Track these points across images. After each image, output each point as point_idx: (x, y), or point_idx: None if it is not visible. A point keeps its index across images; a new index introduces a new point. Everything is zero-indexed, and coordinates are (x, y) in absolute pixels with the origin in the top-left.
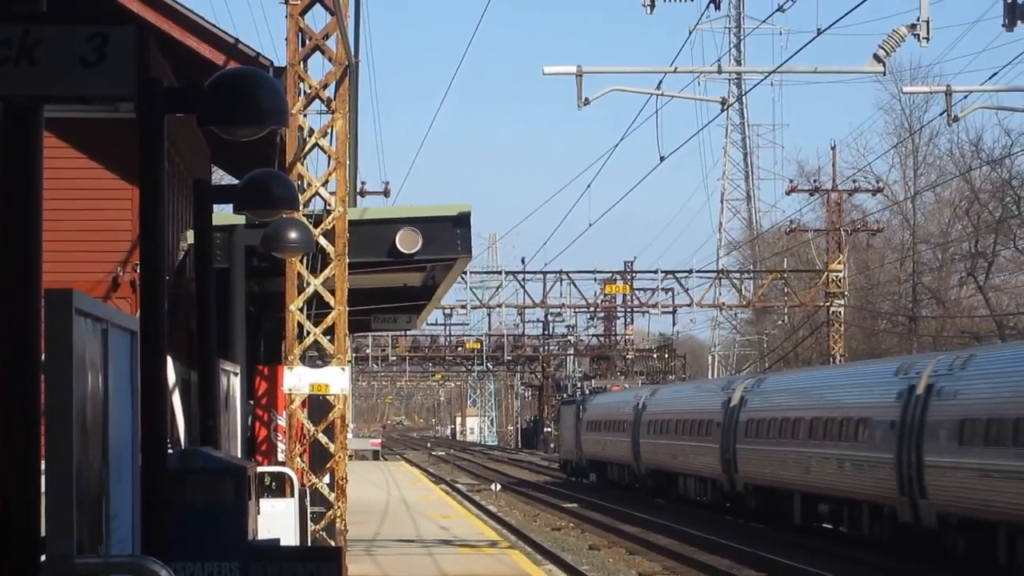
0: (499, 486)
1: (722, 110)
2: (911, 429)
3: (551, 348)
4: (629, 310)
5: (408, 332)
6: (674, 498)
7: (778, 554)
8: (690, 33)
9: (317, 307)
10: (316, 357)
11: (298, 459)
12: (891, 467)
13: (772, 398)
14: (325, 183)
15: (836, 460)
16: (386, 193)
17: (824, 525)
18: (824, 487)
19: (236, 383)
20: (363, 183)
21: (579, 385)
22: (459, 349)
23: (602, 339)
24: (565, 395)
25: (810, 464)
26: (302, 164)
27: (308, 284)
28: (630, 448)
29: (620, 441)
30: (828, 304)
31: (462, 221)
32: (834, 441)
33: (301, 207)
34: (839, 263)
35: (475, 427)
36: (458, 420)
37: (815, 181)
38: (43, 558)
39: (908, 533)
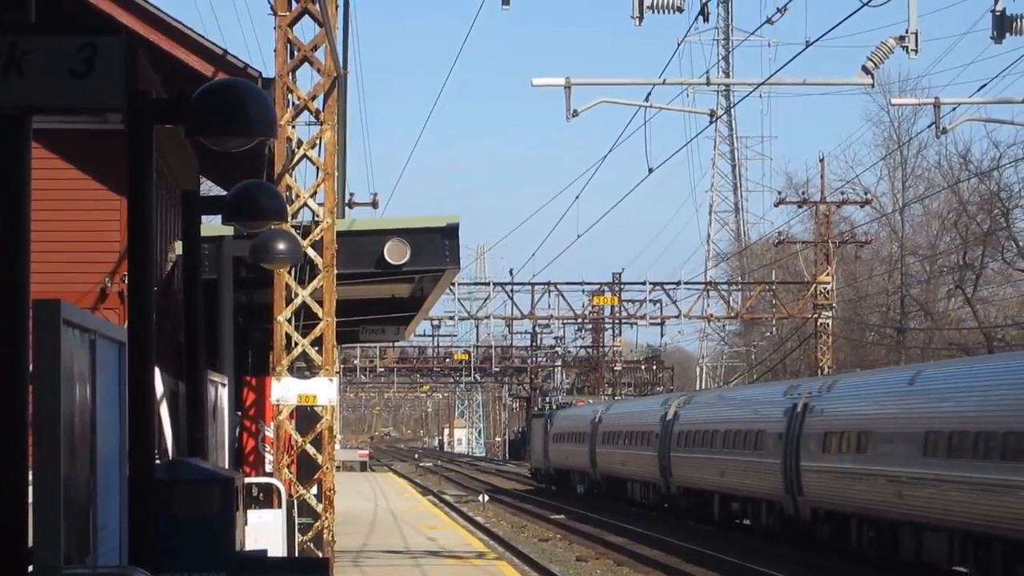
0: (487, 497)
1: (711, 122)
2: (792, 439)
3: (539, 359)
4: (617, 322)
5: (396, 343)
6: (625, 501)
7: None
8: (679, 45)
9: (305, 318)
10: (304, 368)
11: (286, 470)
12: (779, 470)
13: (698, 412)
14: (313, 194)
15: (743, 465)
16: (374, 204)
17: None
18: (733, 488)
19: (224, 394)
20: (351, 194)
21: (548, 400)
22: (447, 360)
23: (590, 351)
24: (535, 409)
25: (724, 468)
26: (290, 175)
27: (296, 295)
28: (588, 457)
29: (580, 451)
30: (816, 316)
31: (450, 232)
32: (740, 449)
33: (289, 218)
34: (827, 275)
35: (463, 438)
36: (446, 431)
37: (803, 193)
38: (31, 568)
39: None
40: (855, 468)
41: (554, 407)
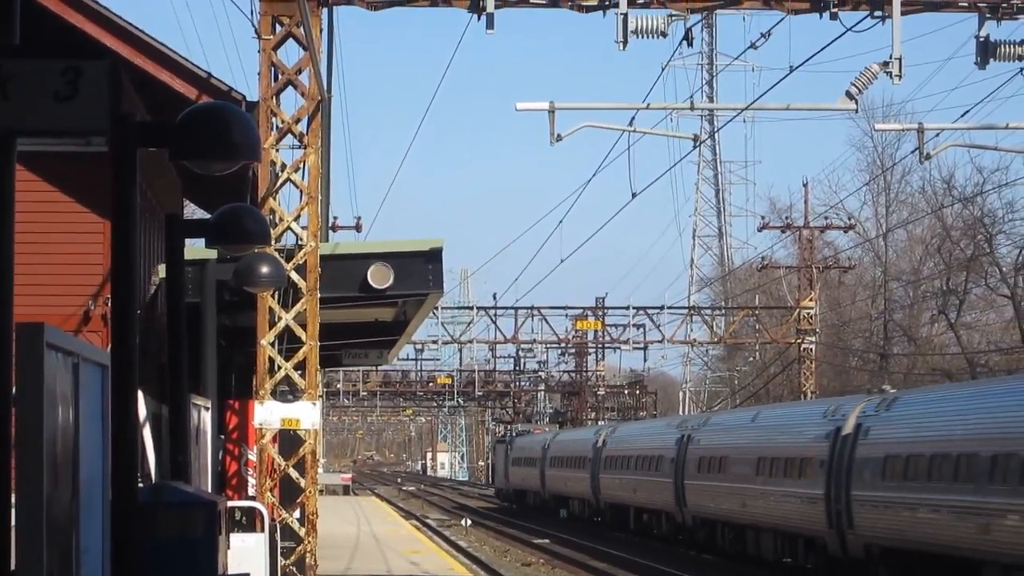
0: (469, 521)
1: (694, 147)
2: (680, 463)
3: (522, 384)
4: (600, 346)
5: (379, 367)
6: (567, 515)
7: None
8: (663, 70)
9: (288, 342)
10: (287, 392)
11: (268, 494)
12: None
13: (624, 437)
14: (297, 218)
15: (647, 484)
16: (358, 228)
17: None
18: (641, 502)
19: (207, 417)
20: (335, 218)
21: (509, 428)
22: (430, 384)
23: (573, 375)
24: (499, 437)
25: (637, 487)
26: (274, 199)
27: (279, 319)
28: (539, 478)
29: (533, 473)
30: (799, 341)
31: (434, 257)
32: (644, 470)
33: (273, 242)
34: (810, 300)
35: (446, 462)
36: (429, 455)
37: (787, 218)
38: None
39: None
40: (717, 485)
41: (514, 434)
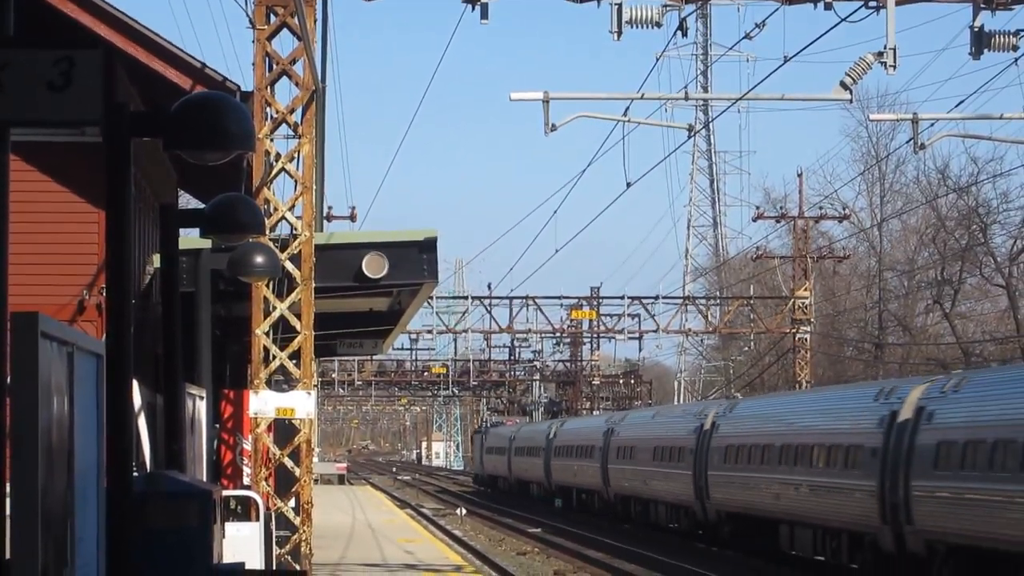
0: (464, 511)
1: (689, 136)
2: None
3: (517, 373)
4: (595, 336)
5: (374, 357)
6: (529, 498)
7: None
8: (657, 60)
9: (283, 331)
10: (282, 381)
11: (263, 483)
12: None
13: (573, 428)
14: (292, 207)
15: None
16: (352, 218)
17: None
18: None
19: (202, 407)
20: (330, 207)
21: (486, 419)
22: (425, 374)
23: (568, 364)
24: (476, 428)
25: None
26: (269, 188)
27: (274, 308)
28: (507, 465)
29: (502, 460)
30: (794, 331)
31: (428, 246)
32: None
33: (267, 231)
34: (805, 290)
35: (441, 452)
36: (424, 445)
37: (781, 208)
38: None
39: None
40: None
41: (488, 425)
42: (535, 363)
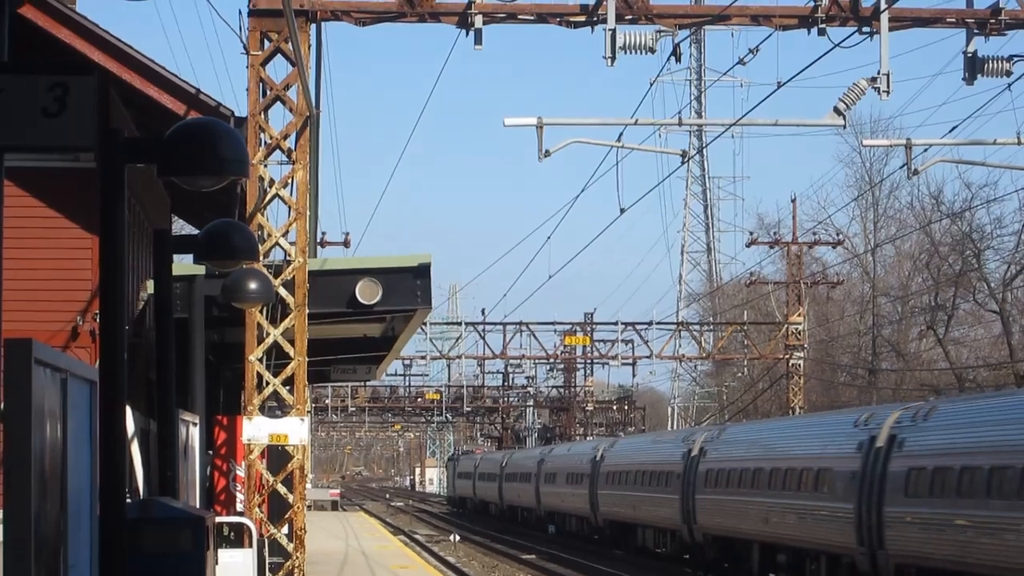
0: (458, 537)
1: (683, 162)
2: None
3: (511, 399)
4: (589, 362)
5: (368, 383)
6: (490, 517)
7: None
8: (651, 85)
9: (276, 357)
10: (275, 407)
11: (256, 509)
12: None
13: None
14: (285, 233)
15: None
16: (346, 244)
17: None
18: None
19: (195, 433)
20: (323, 233)
21: (458, 448)
22: (419, 400)
23: (562, 391)
24: (449, 456)
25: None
26: (262, 214)
27: (268, 334)
28: (471, 488)
29: (469, 484)
30: (788, 356)
31: (422, 272)
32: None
33: (261, 257)
34: (799, 316)
35: (434, 478)
36: (417, 471)
37: (775, 233)
38: None
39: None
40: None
41: (460, 453)
42: (529, 389)
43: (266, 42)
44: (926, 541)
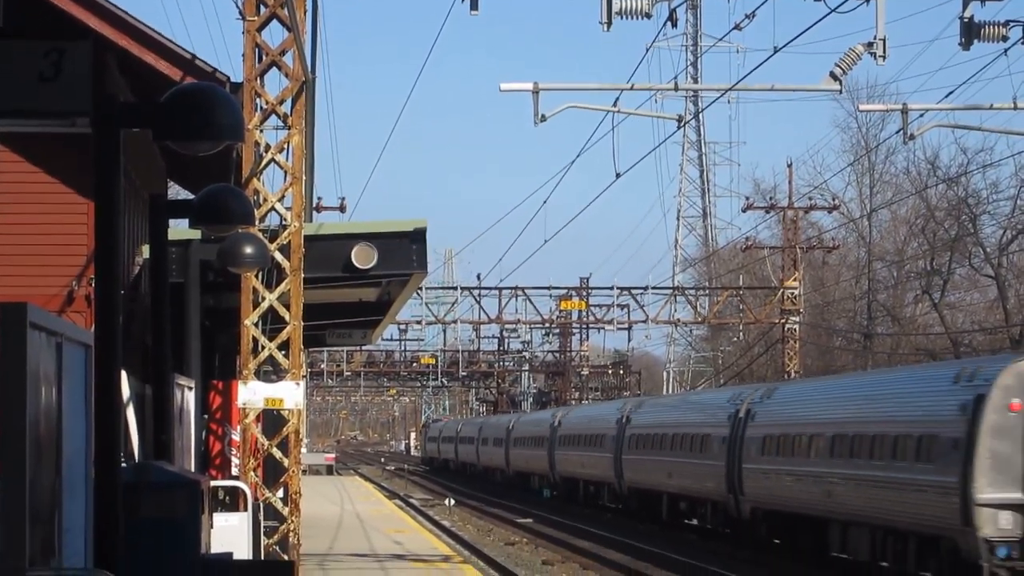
0: (453, 501)
1: (679, 127)
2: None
3: (506, 364)
4: (584, 326)
5: (363, 347)
6: (449, 473)
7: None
8: (647, 50)
9: (272, 322)
10: (271, 372)
11: (252, 473)
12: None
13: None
14: (281, 198)
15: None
16: (342, 208)
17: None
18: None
19: (191, 397)
20: (319, 198)
21: (427, 417)
22: (414, 364)
23: (557, 355)
24: (424, 422)
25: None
26: (258, 179)
27: (263, 299)
28: (437, 448)
29: (436, 447)
30: (783, 321)
31: (418, 237)
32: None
33: (257, 222)
34: (794, 280)
35: None
36: (412, 435)
37: (771, 198)
38: None
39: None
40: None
41: (430, 422)
42: (524, 353)
43: (262, 7)
44: (768, 489)
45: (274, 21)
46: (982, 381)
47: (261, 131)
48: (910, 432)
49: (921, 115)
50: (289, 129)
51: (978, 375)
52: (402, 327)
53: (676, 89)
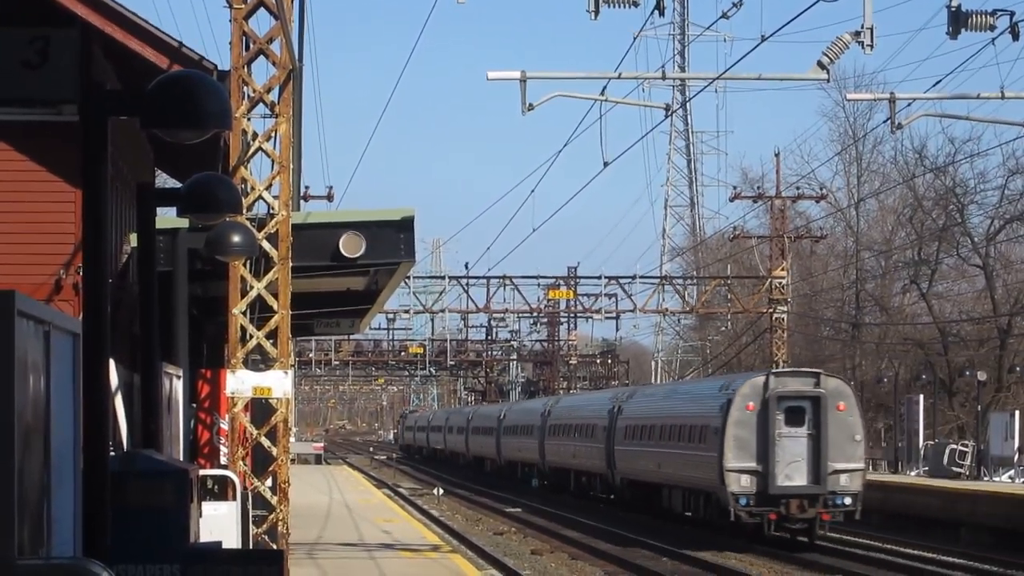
0: (441, 490)
1: (666, 116)
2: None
3: (494, 353)
4: (572, 315)
5: (351, 336)
6: (423, 458)
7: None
8: (634, 39)
9: (260, 311)
10: (259, 361)
11: (240, 462)
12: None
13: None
14: (269, 187)
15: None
16: (330, 197)
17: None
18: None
19: (179, 386)
20: (307, 187)
21: (403, 408)
22: (402, 354)
23: (545, 345)
24: (401, 412)
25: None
26: (246, 168)
27: (251, 288)
28: (412, 438)
29: (411, 435)
30: (771, 311)
31: (406, 226)
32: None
33: (244, 211)
34: (782, 270)
35: None
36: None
37: (759, 188)
38: None
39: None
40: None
41: (407, 412)
42: (512, 343)
43: None
44: (629, 463)
45: (261, 9)
46: (732, 391)
47: (248, 119)
48: (695, 424)
49: (908, 104)
50: (276, 117)
51: (731, 386)
52: (390, 316)
53: (664, 78)
